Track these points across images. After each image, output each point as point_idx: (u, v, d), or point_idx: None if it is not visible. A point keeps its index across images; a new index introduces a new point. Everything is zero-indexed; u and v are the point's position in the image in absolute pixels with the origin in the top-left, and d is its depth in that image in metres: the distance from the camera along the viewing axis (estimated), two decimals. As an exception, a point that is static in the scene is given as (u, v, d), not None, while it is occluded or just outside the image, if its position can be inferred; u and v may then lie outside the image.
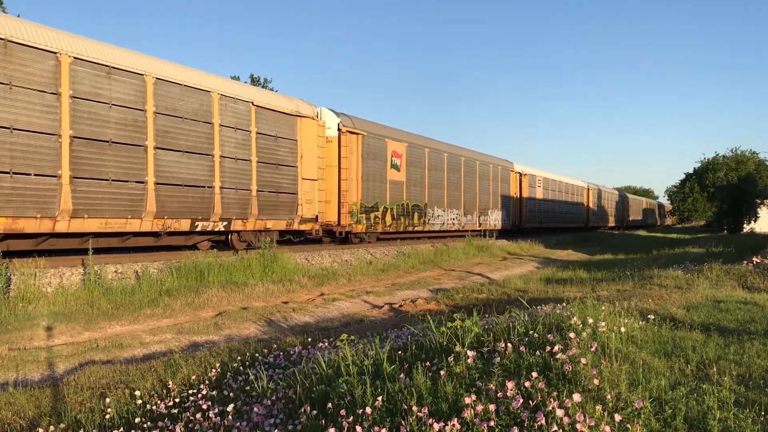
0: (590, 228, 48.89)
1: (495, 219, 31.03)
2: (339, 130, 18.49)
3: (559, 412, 2.99)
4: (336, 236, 19.97)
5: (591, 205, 49.14)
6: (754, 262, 13.07)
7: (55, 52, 10.41)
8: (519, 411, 3.14)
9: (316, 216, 16.97)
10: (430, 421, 3.09)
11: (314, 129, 16.99)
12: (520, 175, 35.11)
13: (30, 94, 10.06)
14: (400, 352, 5.00)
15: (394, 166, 21.54)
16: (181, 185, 12.76)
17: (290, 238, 17.94)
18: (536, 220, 37.46)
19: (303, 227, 16.77)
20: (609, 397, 3.46)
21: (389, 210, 21.02)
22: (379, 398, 3.61)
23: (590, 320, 5.05)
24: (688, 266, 14.25)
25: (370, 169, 19.99)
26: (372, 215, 19.98)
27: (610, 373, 3.96)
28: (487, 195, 30.06)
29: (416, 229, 22.95)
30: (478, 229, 28.84)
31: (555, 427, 2.91)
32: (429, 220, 23.84)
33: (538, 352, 4.30)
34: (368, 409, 3.46)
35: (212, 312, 10.18)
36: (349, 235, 19.93)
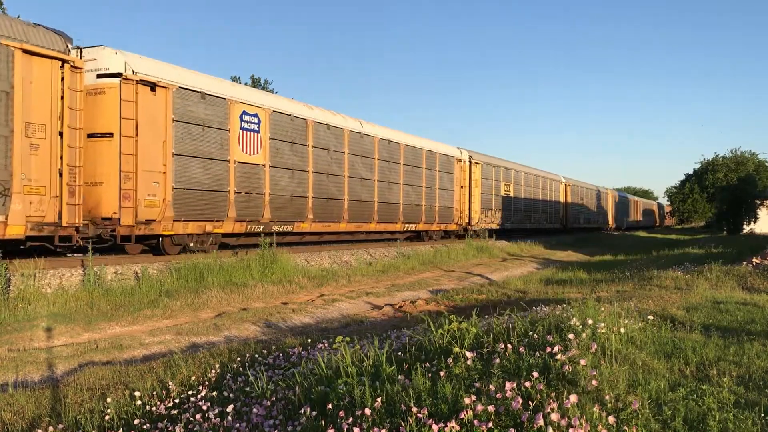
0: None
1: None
2: None
3: (555, 416, 2.98)
4: None
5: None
6: (754, 263, 13.07)
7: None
8: (518, 412, 3.14)
9: None
10: (430, 421, 3.09)
11: None
12: (139, 84, 11.72)
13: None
14: (399, 353, 5.00)
15: None
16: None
17: None
18: (195, 207, 13.34)
19: None
20: (608, 397, 3.46)
21: None
22: (379, 399, 3.61)
23: (590, 321, 5.05)
24: (687, 267, 14.25)
25: None
26: None
27: (610, 374, 3.96)
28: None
29: None
30: None
31: (551, 430, 2.91)
32: None
33: (537, 353, 4.29)
34: (367, 410, 3.46)
35: (212, 313, 10.18)
36: None
